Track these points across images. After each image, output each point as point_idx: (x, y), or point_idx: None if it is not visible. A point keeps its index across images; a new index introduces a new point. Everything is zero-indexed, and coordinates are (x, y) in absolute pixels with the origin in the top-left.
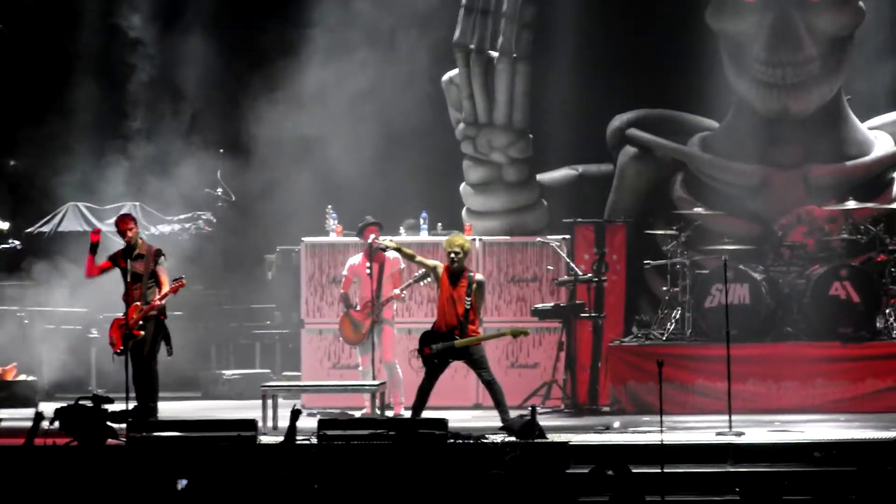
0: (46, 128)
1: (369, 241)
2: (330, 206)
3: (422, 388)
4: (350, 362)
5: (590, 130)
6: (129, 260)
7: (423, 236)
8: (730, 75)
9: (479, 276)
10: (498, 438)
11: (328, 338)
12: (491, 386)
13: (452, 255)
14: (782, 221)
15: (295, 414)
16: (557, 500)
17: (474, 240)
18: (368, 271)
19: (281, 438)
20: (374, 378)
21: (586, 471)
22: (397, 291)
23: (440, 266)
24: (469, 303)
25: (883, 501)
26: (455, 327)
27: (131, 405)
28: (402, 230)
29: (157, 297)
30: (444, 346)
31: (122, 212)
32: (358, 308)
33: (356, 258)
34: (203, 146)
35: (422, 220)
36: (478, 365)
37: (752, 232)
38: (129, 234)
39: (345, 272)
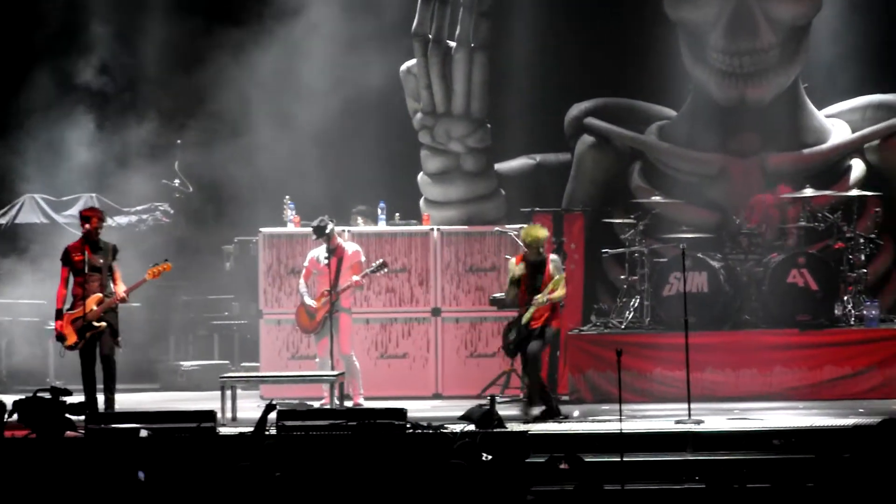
0: (2, 119)
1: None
2: (288, 197)
3: (527, 379)
4: (309, 353)
5: (547, 120)
6: (88, 252)
7: (381, 227)
8: (687, 64)
9: (551, 257)
10: (457, 428)
11: (287, 328)
12: (527, 361)
13: (531, 248)
14: (744, 213)
15: (269, 408)
16: (516, 490)
17: (432, 230)
18: (326, 262)
19: (240, 430)
20: (332, 368)
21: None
22: (356, 278)
23: (516, 269)
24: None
25: (841, 488)
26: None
27: (98, 397)
28: (358, 220)
29: (125, 288)
30: (517, 333)
31: (83, 204)
32: (314, 298)
33: (318, 250)
34: (160, 137)
35: (380, 210)
36: (534, 339)
37: (710, 220)
38: (98, 227)
39: (306, 263)
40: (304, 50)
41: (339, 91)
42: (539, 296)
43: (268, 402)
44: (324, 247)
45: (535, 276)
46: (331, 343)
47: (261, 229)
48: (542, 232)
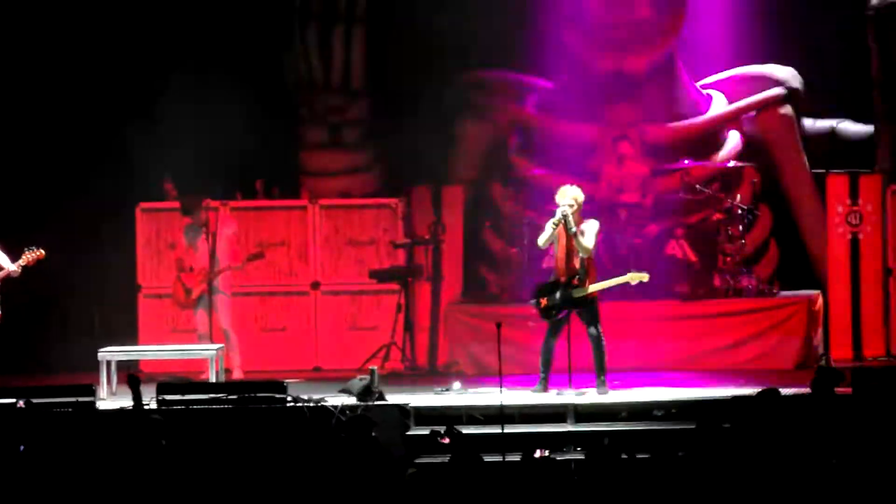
0: None
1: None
2: (167, 173)
3: (546, 345)
4: (188, 327)
5: (428, 93)
6: None
7: (259, 200)
8: (566, 35)
9: (585, 222)
10: (337, 401)
11: (165, 303)
12: (596, 343)
13: (566, 207)
14: (621, 184)
15: (134, 380)
16: (396, 462)
17: (310, 203)
18: (206, 236)
19: (119, 404)
20: (211, 342)
21: (426, 432)
22: (238, 267)
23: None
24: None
25: (720, 459)
26: (573, 277)
27: None
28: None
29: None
30: (562, 296)
31: None
32: (192, 272)
33: (191, 223)
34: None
35: (259, 185)
36: (591, 318)
37: (587, 192)
38: None
39: (182, 238)
40: (186, 19)
41: (217, 63)
42: (609, 281)
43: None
44: (202, 220)
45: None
46: (209, 318)
47: (140, 204)
48: (573, 191)
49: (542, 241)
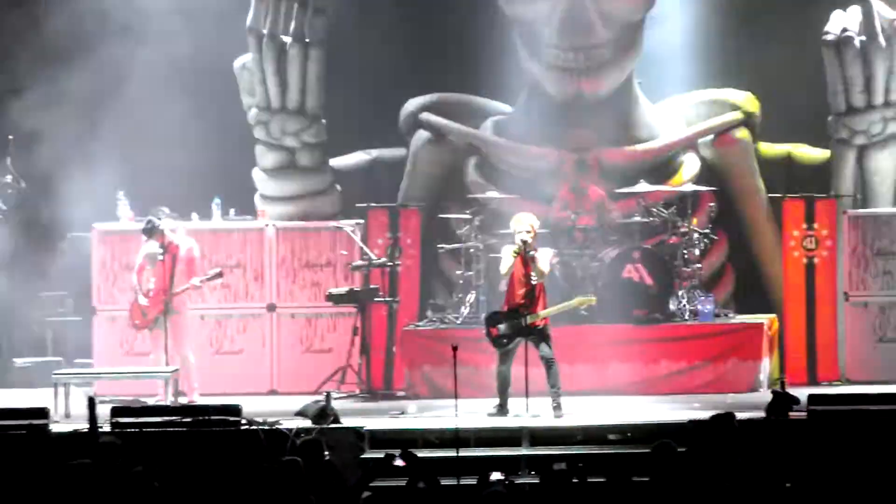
0: None
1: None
2: (122, 192)
3: (500, 372)
4: (143, 349)
5: (383, 115)
6: None
7: (216, 222)
8: (523, 59)
9: (540, 250)
10: (293, 424)
11: (120, 325)
12: (549, 365)
13: (525, 234)
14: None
15: (90, 403)
16: (352, 485)
17: (267, 225)
18: (161, 258)
19: (73, 427)
20: (166, 365)
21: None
22: (196, 282)
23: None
24: (534, 278)
25: (676, 483)
26: (521, 306)
27: None
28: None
29: None
30: (511, 325)
31: None
32: (150, 295)
33: (151, 245)
34: None
35: (215, 206)
36: (543, 342)
37: (545, 216)
38: None
39: (139, 259)
40: (140, 41)
41: (172, 84)
42: (558, 306)
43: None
44: (154, 242)
45: (524, 265)
46: (165, 340)
47: (94, 225)
48: (528, 218)
49: (503, 268)
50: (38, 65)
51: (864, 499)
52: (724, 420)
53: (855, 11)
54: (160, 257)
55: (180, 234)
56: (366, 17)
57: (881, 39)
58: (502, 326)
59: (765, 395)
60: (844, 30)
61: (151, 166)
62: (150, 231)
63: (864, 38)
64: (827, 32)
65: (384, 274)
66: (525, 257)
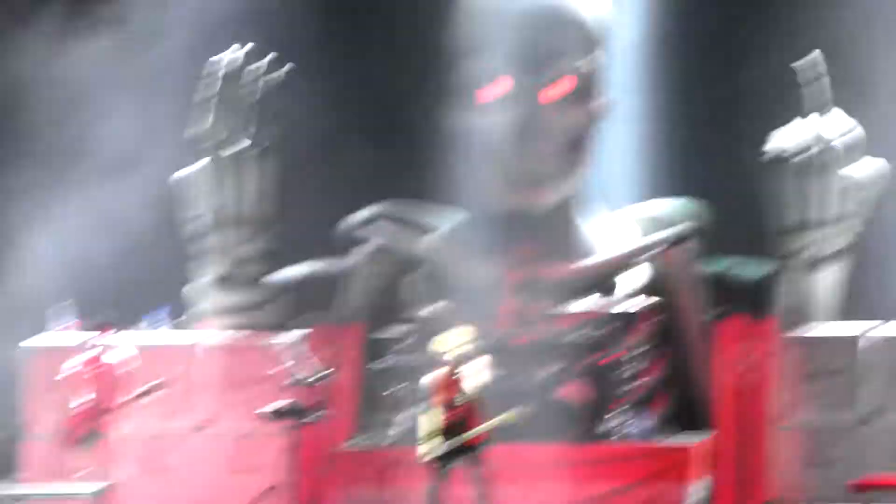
0: None
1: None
2: (69, 301)
3: (430, 494)
4: (75, 467)
5: (328, 226)
6: None
7: (147, 337)
8: (469, 170)
9: (474, 363)
10: None
11: (49, 445)
12: (481, 487)
13: (462, 349)
14: (517, 325)
15: None
16: None
17: (200, 340)
18: (87, 376)
19: None
20: (95, 482)
21: None
22: (131, 397)
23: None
24: (458, 400)
25: None
26: (454, 425)
27: None
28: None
29: None
30: (447, 447)
31: None
32: (78, 410)
33: (76, 360)
34: None
35: (163, 317)
36: (475, 462)
37: (485, 331)
38: None
39: (64, 375)
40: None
41: (116, 195)
42: (483, 426)
43: None
44: (80, 357)
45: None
46: (93, 457)
47: (21, 344)
48: (454, 338)
49: (426, 381)
50: None
51: None
52: None
53: (799, 126)
54: (86, 375)
55: (109, 349)
56: (314, 124)
57: (823, 157)
58: (435, 450)
59: None
60: (783, 150)
61: (99, 273)
62: (79, 343)
63: (806, 155)
64: (777, 149)
65: (317, 392)
66: (450, 380)
